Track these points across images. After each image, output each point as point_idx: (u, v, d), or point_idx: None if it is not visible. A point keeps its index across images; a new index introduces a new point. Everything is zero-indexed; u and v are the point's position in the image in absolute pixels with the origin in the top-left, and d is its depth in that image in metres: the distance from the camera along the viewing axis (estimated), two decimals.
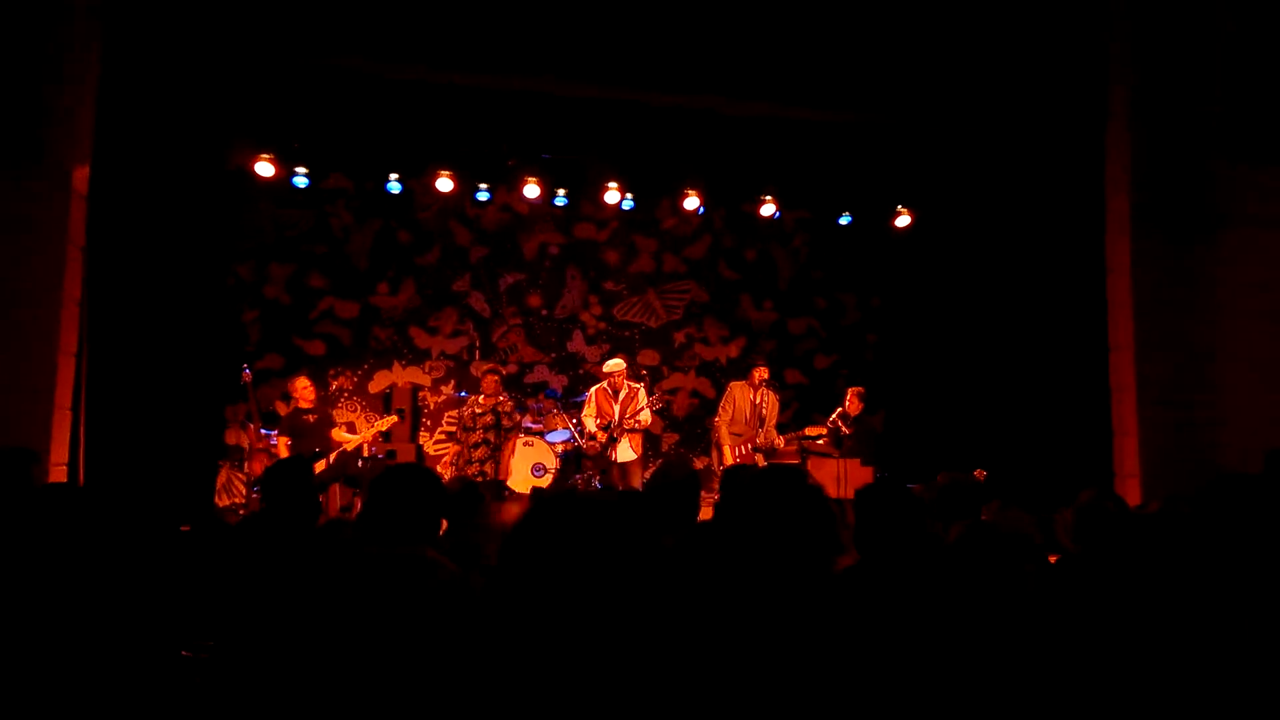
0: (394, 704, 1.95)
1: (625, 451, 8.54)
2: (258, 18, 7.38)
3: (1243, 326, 7.14)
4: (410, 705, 1.89)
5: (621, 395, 8.58)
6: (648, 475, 9.53)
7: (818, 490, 1.65)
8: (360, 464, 8.66)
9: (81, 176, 6.49)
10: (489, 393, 8.51)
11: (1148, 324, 7.24)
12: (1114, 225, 7.55)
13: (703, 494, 3.79)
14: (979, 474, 6.83)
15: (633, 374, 8.87)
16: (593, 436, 8.58)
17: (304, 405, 8.46)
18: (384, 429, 8.83)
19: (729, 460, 8.47)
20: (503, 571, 1.45)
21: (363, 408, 10.19)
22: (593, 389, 8.87)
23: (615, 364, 8.68)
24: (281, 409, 9.77)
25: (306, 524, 4.16)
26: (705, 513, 4.13)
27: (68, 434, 6.43)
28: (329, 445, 8.33)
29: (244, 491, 9.32)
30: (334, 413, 9.41)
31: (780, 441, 8.62)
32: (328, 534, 4.15)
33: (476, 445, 8.35)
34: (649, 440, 9.56)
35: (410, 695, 1.91)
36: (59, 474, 6.27)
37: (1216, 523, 3.21)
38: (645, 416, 8.59)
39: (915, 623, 2.29)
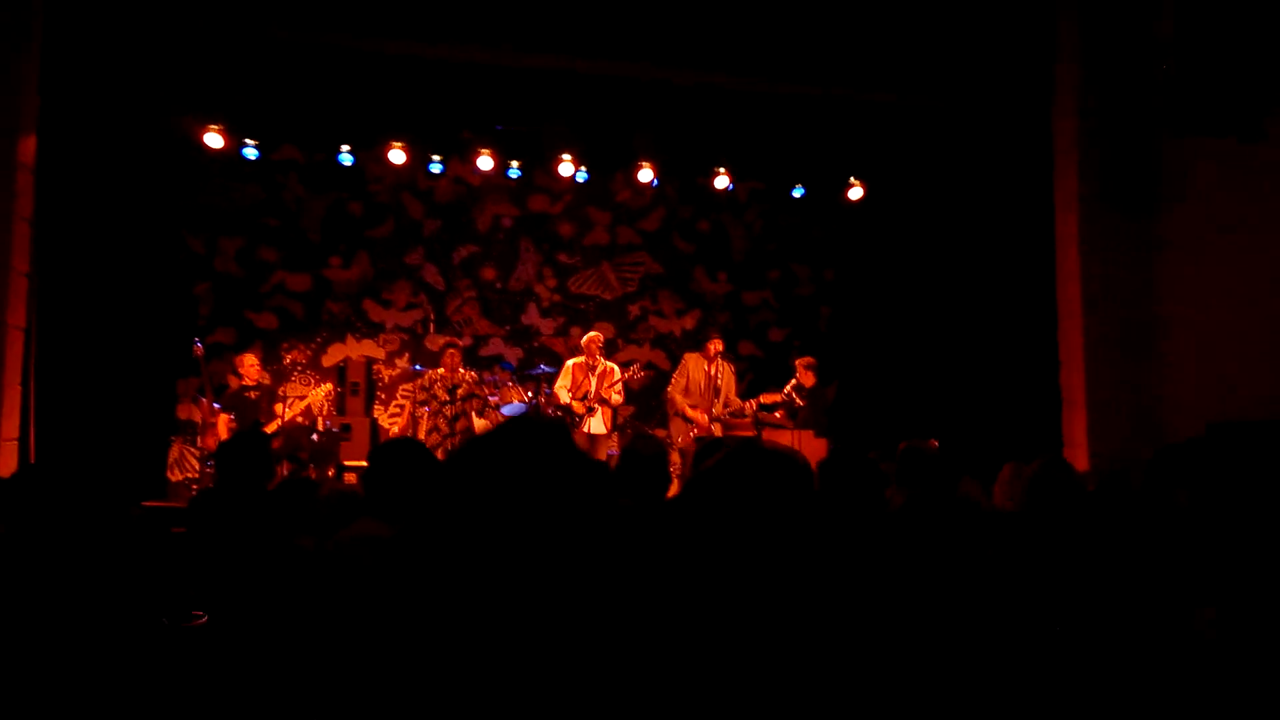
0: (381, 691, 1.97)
1: (598, 425, 8.60)
2: None
3: (1190, 297, 7.33)
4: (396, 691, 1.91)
5: (599, 370, 8.61)
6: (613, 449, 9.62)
7: (799, 464, 1.70)
8: (314, 438, 8.63)
9: (27, 148, 6.37)
10: (450, 367, 8.52)
11: (1095, 295, 7.41)
12: (1062, 198, 7.71)
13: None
14: (932, 443, 6.96)
15: (605, 350, 8.92)
16: (566, 408, 8.55)
17: (248, 382, 8.42)
18: (313, 403, 8.80)
19: (684, 431, 8.53)
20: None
21: (316, 381, 10.12)
22: (569, 361, 8.90)
23: (596, 335, 8.75)
24: (234, 383, 9.68)
25: (261, 497, 4.14)
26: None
27: (18, 410, 6.35)
28: (270, 420, 8.33)
29: (197, 466, 9.23)
30: (288, 386, 9.33)
31: (750, 405, 8.67)
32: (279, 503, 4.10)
33: (456, 417, 8.38)
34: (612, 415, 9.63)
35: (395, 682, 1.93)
36: (9, 450, 6.18)
37: (1159, 490, 3.33)
38: (620, 391, 8.67)
39: (876, 588, 2.37)
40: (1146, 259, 7.41)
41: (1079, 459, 7.23)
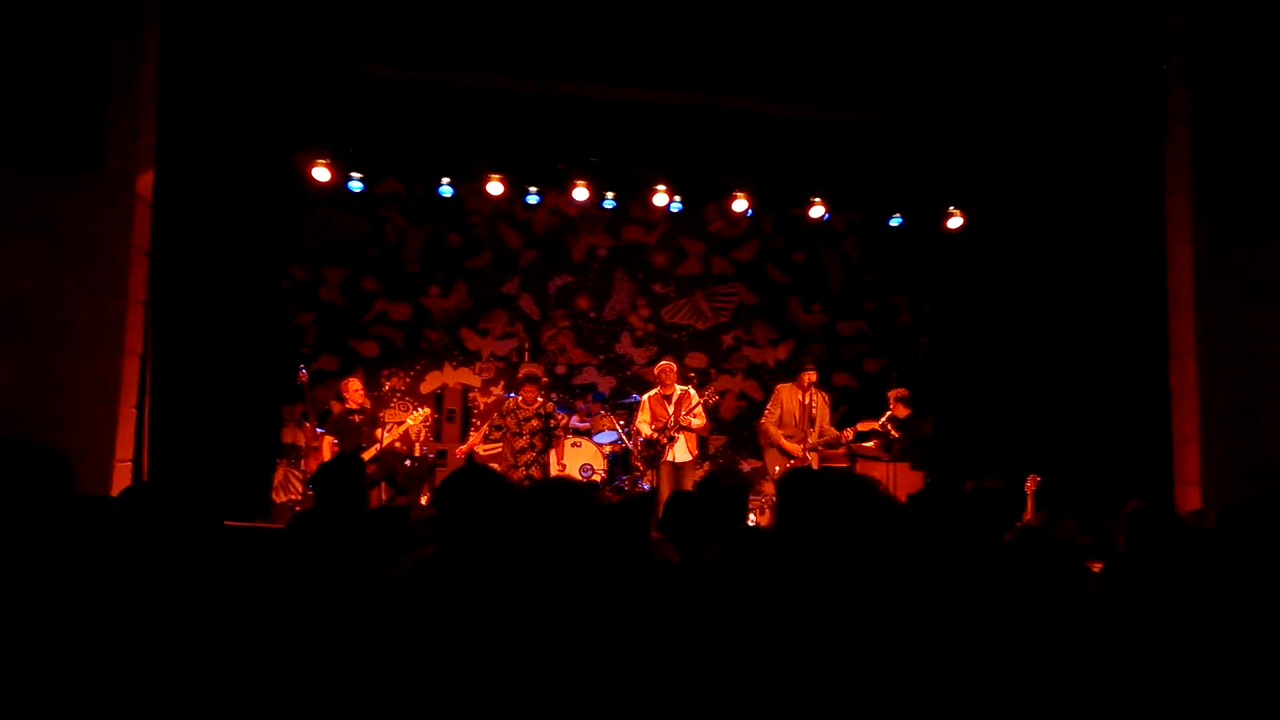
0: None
1: (681, 452, 8.55)
2: (314, 26, 7.51)
3: None
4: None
5: (675, 397, 8.60)
6: (699, 477, 9.55)
7: (877, 492, 1.66)
8: (408, 464, 8.80)
9: (145, 182, 6.67)
10: (528, 400, 8.63)
11: (1210, 328, 7.13)
12: (1174, 227, 7.45)
13: (751, 497, 3.83)
14: (1032, 480, 6.75)
15: (680, 377, 8.88)
16: (651, 441, 8.56)
17: (352, 406, 8.63)
18: (415, 425, 8.94)
19: (780, 461, 8.44)
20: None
21: (414, 408, 10.33)
22: (645, 396, 8.91)
23: (664, 364, 8.74)
24: (336, 408, 9.95)
25: (355, 518, 4.22)
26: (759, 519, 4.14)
27: (132, 432, 6.61)
28: (372, 445, 8.51)
29: (300, 489, 9.50)
30: (386, 413, 9.53)
31: (848, 434, 8.54)
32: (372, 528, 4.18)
33: (523, 450, 8.47)
34: (698, 442, 9.59)
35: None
36: (124, 470, 6.44)
37: (1270, 531, 3.16)
38: (701, 414, 8.62)
39: (968, 628, 2.29)
40: (1261, 292, 7.10)
41: (1191, 497, 6.93)
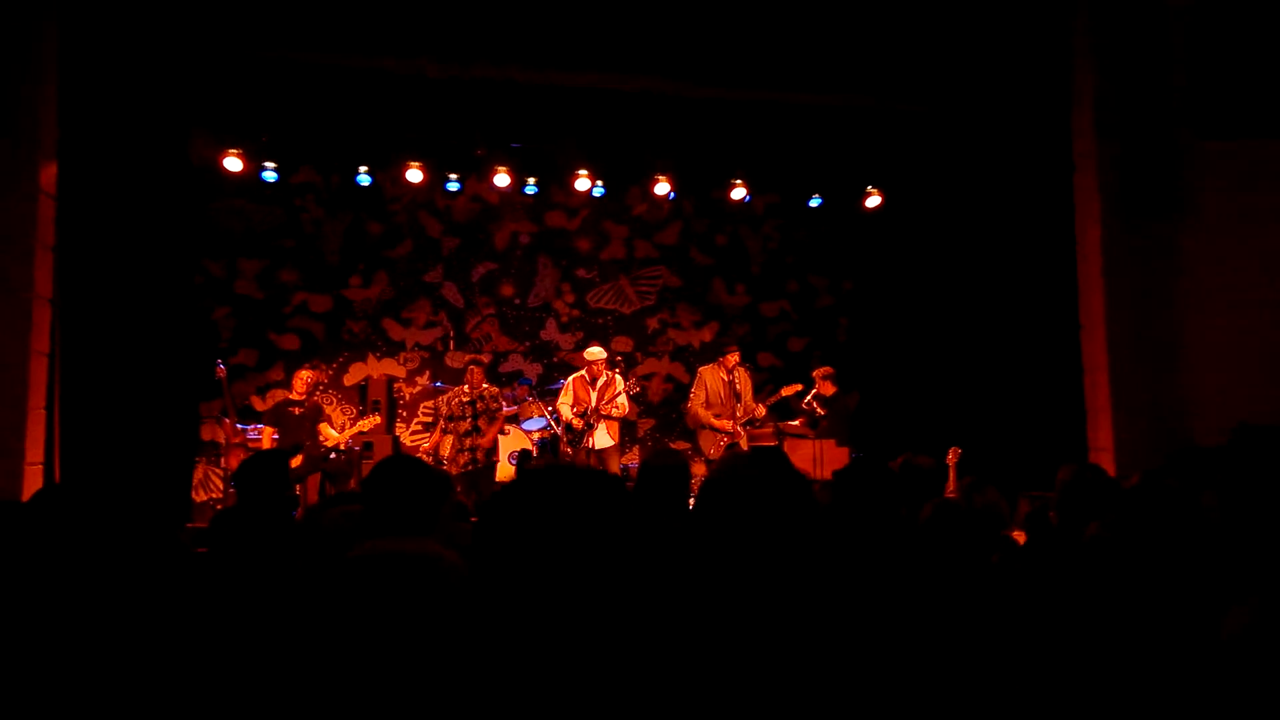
0: (397, 703, 1.97)
1: (603, 438, 8.53)
2: (221, 11, 7.32)
3: (1213, 301, 7.26)
4: (414, 704, 1.91)
5: (599, 383, 8.58)
6: (623, 461, 9.57)
7: (793, 472, 1.69)
8: (333, 456, 8.65)
9: (49, 176, 6.44)
10: (474, 384, 8.52)
11: (1118, 302, 7.35)
12: (1083, 204, 7.65)
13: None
14: (954, 452, 6.90)
15: (608, 362, 8.87)
16: (569, 425, 8.57)
17: (295, 397, 8.44)
18: (365, 429, 8.78)
19: (713, 440, 8.49)
20: (480, 553, 1.44)
21: (339, 400, 10.17)
22: (570, 378, 8.87)
23: (595, 352, 8.66)
24: (257, 404, 9.76)
25: (282, 517, 4.15)
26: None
27: (42, 434, 6.41)
28: (315, 438, 8.33)
29: (220, 487, 9.29)
30: (330, 410, 9.34)
31: (761, 409, 8.59)
32: (309, 525, 4.15)
33: (468, 434, 8.38)
34: (625, 426, 9.61)
35: (414, 694, 1.93)
36: (34, 474, 6.24)
37: (1191, 493, 3.29)
38: (622, 402, 8.58)
39: (895, 601, 2.34)
40: (1168, 264, 7.34)
41: (1105, 466, 7.15)
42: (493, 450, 8.67)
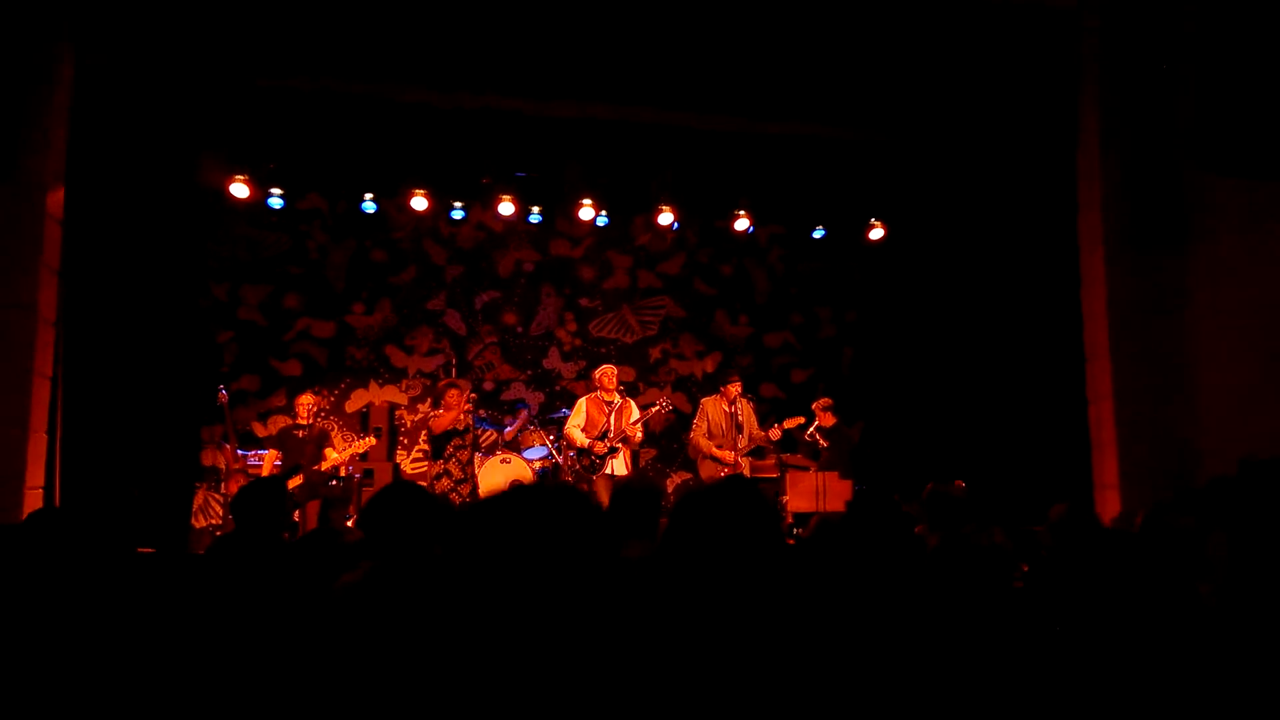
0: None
1: (620, 466, 8.34)
2: (230, 39, 7.37)
3: (1219, 334, 7.23)
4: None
5: (616, 405, 8.49)
6: None
7: (760, 499, 1.69)
8: (334, 483, 8.63)
9: (56, 200, 6.45)
10: (450, 406, 8.46)
11: (1123, 335, 7.32)
12: (1087, 237, 7.64)
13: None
14: (958, 485, 6.87)
15: (626, 390, 8.84)
16: (586, 450, 8.37)
17: (300, 421, 8.46)
18: (361, 451, 8.78)
19: (714, 470, 8.43)
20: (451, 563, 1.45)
21: (340, 427, 10.15)
22: (582, 399, 8.74)
23: (606, 368, 8.62)
24: (259, 429, 9.74)
25: (277, 542, 4.13)
26: None
27: (44, 458, 6.38)
28: (320, 463, 8.34)
29: (220, 512, 9.26)
30: (336, 434, 9.34)
31: (776, 432, 8.47)
32: (302, 551, 4.12)
33: (448, 457, 8.37)
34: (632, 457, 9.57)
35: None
36: (35, 498, 6.21)
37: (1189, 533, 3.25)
38: (641, 430, 8.50)
39: (897, 634, 2.31)
40: (1174, 295, 7.32)
41: (1110, 501, 7.10)
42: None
